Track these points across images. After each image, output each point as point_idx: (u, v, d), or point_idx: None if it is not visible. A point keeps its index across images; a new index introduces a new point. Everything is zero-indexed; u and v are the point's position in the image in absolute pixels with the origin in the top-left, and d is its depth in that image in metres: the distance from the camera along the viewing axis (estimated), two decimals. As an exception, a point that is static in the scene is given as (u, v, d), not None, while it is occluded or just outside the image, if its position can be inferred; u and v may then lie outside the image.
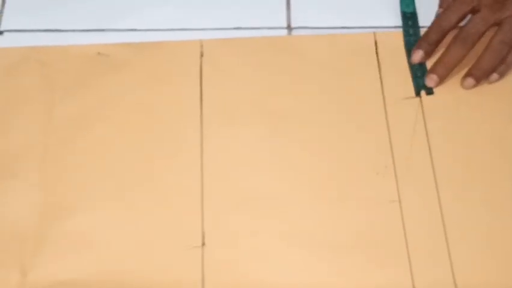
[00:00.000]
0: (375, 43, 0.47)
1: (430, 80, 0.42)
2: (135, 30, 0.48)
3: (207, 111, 0.43)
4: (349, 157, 0.41)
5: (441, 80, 0.42)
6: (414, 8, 0.46)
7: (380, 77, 0.45)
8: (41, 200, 0.40)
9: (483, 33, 0.41)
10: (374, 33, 0.46)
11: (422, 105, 0.43)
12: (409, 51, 0.44)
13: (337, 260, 0.37)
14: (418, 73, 0.43)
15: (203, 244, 0.38)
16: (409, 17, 0.47)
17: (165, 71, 0.45)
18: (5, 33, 0.48)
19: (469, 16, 0.42)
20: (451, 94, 0.43)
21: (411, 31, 0.46)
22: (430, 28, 0.43)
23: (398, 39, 0.47)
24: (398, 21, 0.47)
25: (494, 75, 0.42)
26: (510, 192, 0.40)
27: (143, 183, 0.41)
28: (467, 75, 0.42)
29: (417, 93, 0.42)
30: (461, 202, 0.39)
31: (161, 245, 0.38)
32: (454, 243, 0.38)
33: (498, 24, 0.41)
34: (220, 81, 0.45)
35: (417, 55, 0.43)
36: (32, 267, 0.37)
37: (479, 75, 0.42)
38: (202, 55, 0.45)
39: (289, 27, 0.48)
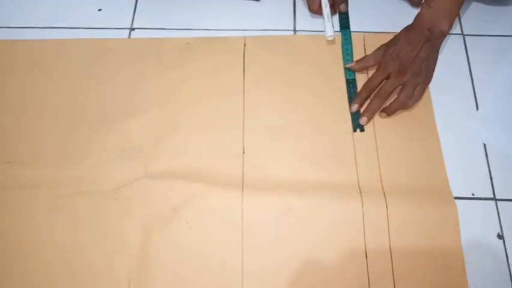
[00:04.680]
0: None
1: (362, 121, 0.50)
2: (208, 29, 0.56)
3: (248, 80, 0.51)
4: (328, 114, 0.51)
5: (369, 121, 0.50)
6: (354, 75, 0.53)
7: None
8: (156, 126, 0.48)
9: (392, 91, 0.49)
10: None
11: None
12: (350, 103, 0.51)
13: (315, 162, 0.47)
14: (355, 117, 0.51)
15: (243, 152, 0.47)
16: (351, 82, 0.53)
17: (224, 53, 0.54)
18: (136, 30, 0.56)
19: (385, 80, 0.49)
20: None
21: (352, 91, 0.53)
22: (362, 89, 0.50)
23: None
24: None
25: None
26: None
27: (211, 121, 0.49)
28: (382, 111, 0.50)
29: (355, 130, 0.50)
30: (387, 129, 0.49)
31: (220, 152, 0.48)
32: (381, 150, 0.48)
33: (402, 85, 0.49)
34: (256, 61, 0.53)
35: (354, 107, 0.50)
36: (151, 163, 0.47)
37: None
38: (245, 45, 0.54)
39: (295, 30, 0.56)
